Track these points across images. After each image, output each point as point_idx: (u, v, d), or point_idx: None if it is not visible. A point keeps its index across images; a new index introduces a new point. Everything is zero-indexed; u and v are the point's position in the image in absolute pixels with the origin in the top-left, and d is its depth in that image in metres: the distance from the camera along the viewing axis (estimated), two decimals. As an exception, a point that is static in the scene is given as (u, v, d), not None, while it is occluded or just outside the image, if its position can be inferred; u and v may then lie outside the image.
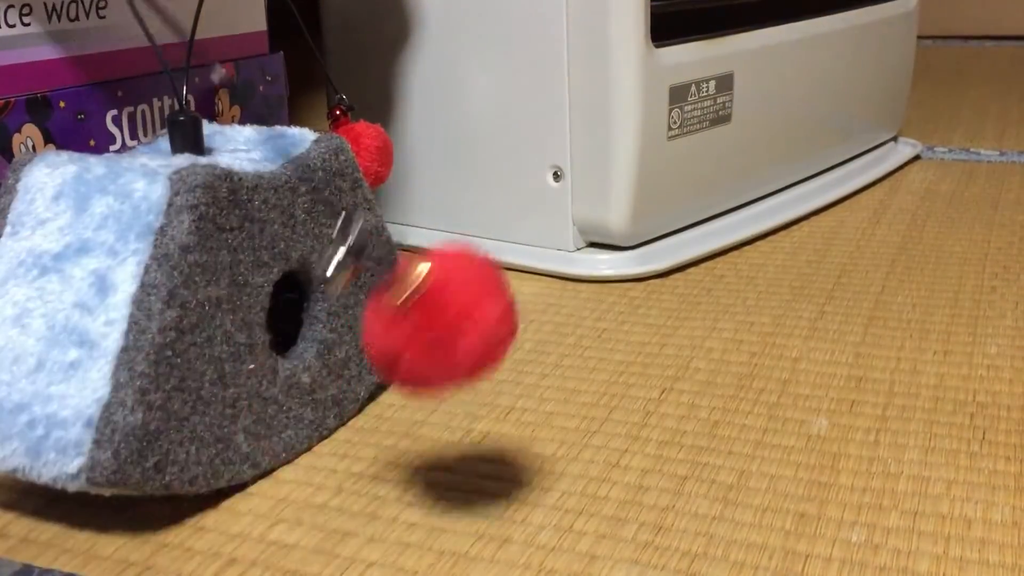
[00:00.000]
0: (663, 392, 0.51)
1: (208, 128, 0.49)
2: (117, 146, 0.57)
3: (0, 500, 0.43)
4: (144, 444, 0.38)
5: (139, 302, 0.39)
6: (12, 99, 0.52)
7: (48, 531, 0.41)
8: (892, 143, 0.93)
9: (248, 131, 0.50)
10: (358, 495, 0.43)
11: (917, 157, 0.93)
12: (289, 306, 0.48)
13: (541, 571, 0.38)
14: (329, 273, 0.38)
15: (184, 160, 0.42)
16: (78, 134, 0.55)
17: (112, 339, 0.39)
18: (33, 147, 0.53)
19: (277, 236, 0.44)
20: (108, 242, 0.40)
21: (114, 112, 0.57)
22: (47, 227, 0.42)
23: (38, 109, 0.53)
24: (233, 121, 0.65)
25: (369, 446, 0.47)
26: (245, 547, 0.40)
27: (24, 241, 0.42)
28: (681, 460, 0.45)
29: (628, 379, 0.53)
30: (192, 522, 0.42)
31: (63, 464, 0.38)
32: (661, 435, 0.47)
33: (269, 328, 0.44)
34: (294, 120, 0.61)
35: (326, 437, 0.48)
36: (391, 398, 0.51)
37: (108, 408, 0.38)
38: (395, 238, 0.52)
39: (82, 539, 0.41)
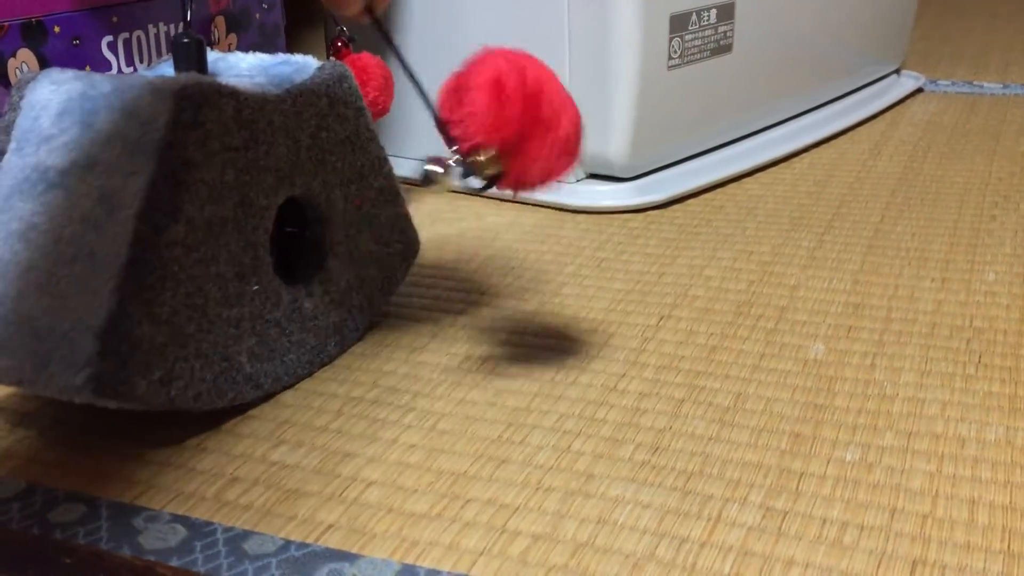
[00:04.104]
0: (661, 319, 0.51)
1: (211, 55, 0.49)
2: (112, 72, 0.57)
3: (6, 421, 0.44)
4: (150, 357, 0.38)
5: (145, 217, 0.39)
6: (7, 23, 0.52)
7: (53, 452, 0.42)
8: (895, 76, 0.93)
9: (251, 58, 0.49)
10: (358, 418, 0.44)
11: (920, 90, 0.92)
12: (292, 239, 0.48)
13: (539, 489, 0.39)
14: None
15: (190, 78, 0.41)
16: (73, 59, 0.55)
17: (119, 253, 0.39)
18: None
19: (281, 159, 0.44)
20: (114, 158, 0.40)
21: (109, 38, 0.56)
22: (53, 143, 0.41)
23: (33, 34, 0.53)
24: (230, 49, 0.65)
25: (369, 372, 0.47)
26: (247, 467, 0.40)
27: (29, 157, 0.42)
28: (678, 384, 0.45)
29: (627, 307, 0.53)
30: (194, 443, 0.42)
31: (70, 375, 0.38)
32: (659, 360, 0.47)
33: (273, 258, 0.44)
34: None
35: (327, 364, 0.48)
36: (391, 326, 0.52)
37: (115, 320, 0.38)
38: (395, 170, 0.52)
39: (86, 459, 0.41)
